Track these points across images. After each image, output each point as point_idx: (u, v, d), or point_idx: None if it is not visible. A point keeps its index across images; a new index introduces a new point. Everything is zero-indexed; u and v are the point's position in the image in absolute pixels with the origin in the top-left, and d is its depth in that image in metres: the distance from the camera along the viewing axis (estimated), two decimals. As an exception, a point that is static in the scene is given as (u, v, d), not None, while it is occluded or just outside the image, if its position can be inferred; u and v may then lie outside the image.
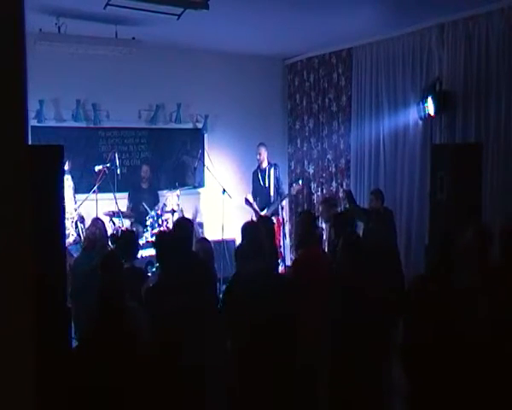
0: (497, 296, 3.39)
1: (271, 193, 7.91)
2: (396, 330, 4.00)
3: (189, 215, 7.21)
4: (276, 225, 6.94)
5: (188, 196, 8.26)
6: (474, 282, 3.49)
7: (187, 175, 8.45)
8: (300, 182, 8.09)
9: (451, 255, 3.56)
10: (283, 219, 8.03)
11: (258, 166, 8.04)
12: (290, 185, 8.67)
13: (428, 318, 3.42)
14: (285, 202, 8.33)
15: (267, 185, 7.93)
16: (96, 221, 5.35)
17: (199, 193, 8.58)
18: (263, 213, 7.83)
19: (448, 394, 3.23)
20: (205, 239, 5.18)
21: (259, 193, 8.01)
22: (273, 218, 7.51)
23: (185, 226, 4.46)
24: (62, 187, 3.19)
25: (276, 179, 7.94)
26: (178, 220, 5.23)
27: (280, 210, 7.96)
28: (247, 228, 4.34)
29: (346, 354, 3.59)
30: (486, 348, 3.21)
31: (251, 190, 8.12)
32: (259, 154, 7.97)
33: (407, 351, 3.53)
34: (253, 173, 8.12)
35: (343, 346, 3.61)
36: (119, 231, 6.21)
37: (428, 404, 3.34)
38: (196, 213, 7.96)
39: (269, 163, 8.01)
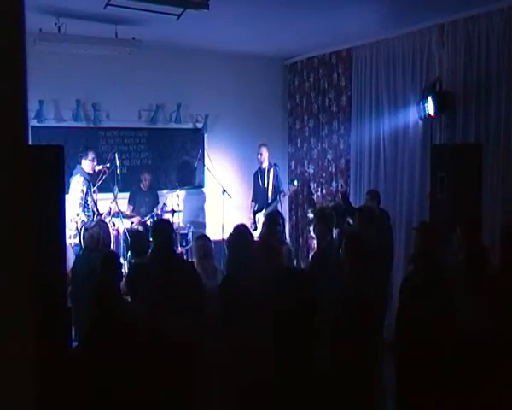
0: (496, 297, 3.39)
1: (269, 194, 7.92)
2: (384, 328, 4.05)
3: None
4: None
5: (188, 196, 8.29)
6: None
7: (187, 175, 8.45)
8: (296, 183, 8.09)
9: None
10: None
11: (259, 167, 8.07)
12: (288, 185, 8.68)
13: (419, 315, 3.43)
14: (283, 199, 8.29)
15: (266, 186, 7.95)
16: (101, 222, 5.37)
17: (199, 193, 8.59)
18: (260, 214, 7.85)
19: (438, 391, 3.24)
20: (205, 236, 5.19)
21: (259, 194, 8.04)
22: None
23: (163, 228, 4.53)
24: (62, 187, 3.20)
25: (276, 179, 7.95)
26: (157, 222, 5.37)
27: (280, 209, 7.96)
28: (233, 231, 4.50)
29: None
30: (479, 347, 3.21)
31: (252, 191, 8.14)
32: (260, 154, 7.99)
33: (398, 348, 3.55)
34: (254, 174, 8.16)
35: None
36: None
37: (419, 401, 3.35)
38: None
39: (269, 164, 8.02)
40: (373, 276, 4.04)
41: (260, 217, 7.79)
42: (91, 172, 6.71)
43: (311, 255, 5.76)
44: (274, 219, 5.43)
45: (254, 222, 7.91)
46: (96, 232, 5.08)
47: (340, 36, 7.38)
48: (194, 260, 4.81)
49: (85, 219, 6.25)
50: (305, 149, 8.87)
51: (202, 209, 8.62)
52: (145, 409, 3.19)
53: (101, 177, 6.78)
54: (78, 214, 6.31)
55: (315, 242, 6.90)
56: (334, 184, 8.28)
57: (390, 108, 7.23)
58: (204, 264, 4.53)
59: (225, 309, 3.89)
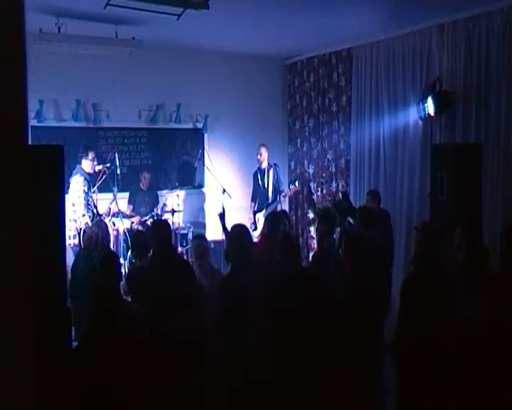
0: (496, 297, 3.39)
1: (269, 194, 7.92)
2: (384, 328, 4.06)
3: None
4: None
5: (188, 196, 8.29)
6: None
7: (187, 175, 8.45)
8: (297, 183, 8.09)
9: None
10: None
11: (258, 168, 8.06)
12: (289, 186, 8.68)
13: (421, 315, 3.44)
14: (283, 199, 8.28)
15: (266, 186, 7.95)
16: (100, 222, 5.37)
17: (199, 193, 8.60)
18: (260, 214, 7.85)
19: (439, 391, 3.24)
20: (201, 236, 5.20)
21: (258, 194, 8.03)
22: None
23: (162, 229, 4.52)
24: (62, 187, 3.19)
25: (276, 179, 7.95)
26: (155, 223, 5.35)
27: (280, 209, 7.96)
28: (231, 230, 4.49)
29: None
30: (478, 347, 3.21)
31: (251, 191, 8.15)
32: (260, 154, 7.99)
33: (399, 348, 3.55)
34: (254, 175, 8.15)
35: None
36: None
37: (419, 401, 3.35)
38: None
39: (268, 164, 8.02)
40: (373, 276, 4.04)
41: (260, 217, 7.79)
42: (91, 172, 6.70)
43: (311, 255, 5.77)
44: (277, 219, 5.42)
45: (254, 222, 7.91)
46: (95, 232, 5.08)
47: (340, 36, 7.38)
48: (192, 259, 4.83)
49: (89, 221, 6.25)
50: (305, 149, 8.87)
51: (202, 209, 8.62)
52: (145, 409, 3.19)
53: (101, 177, 6.77)
54: (83, 215, 6.31)
55: (315, 242, 6.91)
56: (334, 184, 8.28)
57: (390, 108, 7.23)
58: (201, 264, 4.55)
59: (226, 309, 3.88)
